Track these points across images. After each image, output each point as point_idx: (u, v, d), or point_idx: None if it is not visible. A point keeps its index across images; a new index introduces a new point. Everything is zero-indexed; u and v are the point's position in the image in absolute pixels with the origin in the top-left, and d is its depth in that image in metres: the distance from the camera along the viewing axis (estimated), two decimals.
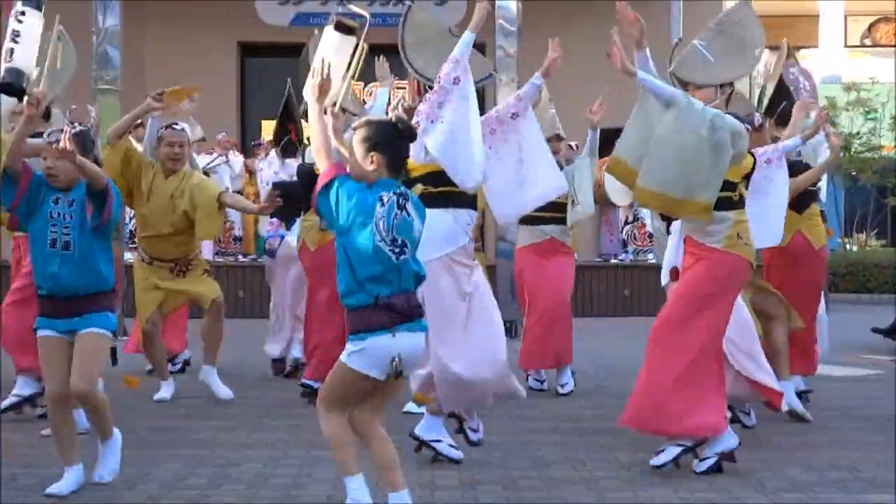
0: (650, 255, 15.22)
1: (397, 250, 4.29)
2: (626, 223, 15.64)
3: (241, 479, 5.30)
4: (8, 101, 6.18)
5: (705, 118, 5.31)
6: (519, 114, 5.86)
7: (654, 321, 5.58)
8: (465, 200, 5.65)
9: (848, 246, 21.35)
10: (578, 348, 8.38)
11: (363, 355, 4.29)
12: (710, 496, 5.01)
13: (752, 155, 5.81)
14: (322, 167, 4.38)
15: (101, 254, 5.13)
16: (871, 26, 27.53)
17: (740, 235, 5.49)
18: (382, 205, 4.28)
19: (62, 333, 5.07)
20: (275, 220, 9.22)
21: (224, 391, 7.61)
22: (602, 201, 8.48)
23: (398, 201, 4.32)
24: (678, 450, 5.41)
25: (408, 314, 4.30)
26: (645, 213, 15.36)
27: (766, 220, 6.20)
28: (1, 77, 5.34)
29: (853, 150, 20.63)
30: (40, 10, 5.48)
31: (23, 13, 5.45)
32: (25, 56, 5.34)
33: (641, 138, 5.47)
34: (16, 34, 5.37)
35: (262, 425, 6.62)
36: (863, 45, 27.26)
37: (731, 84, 5.89)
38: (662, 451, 5.43)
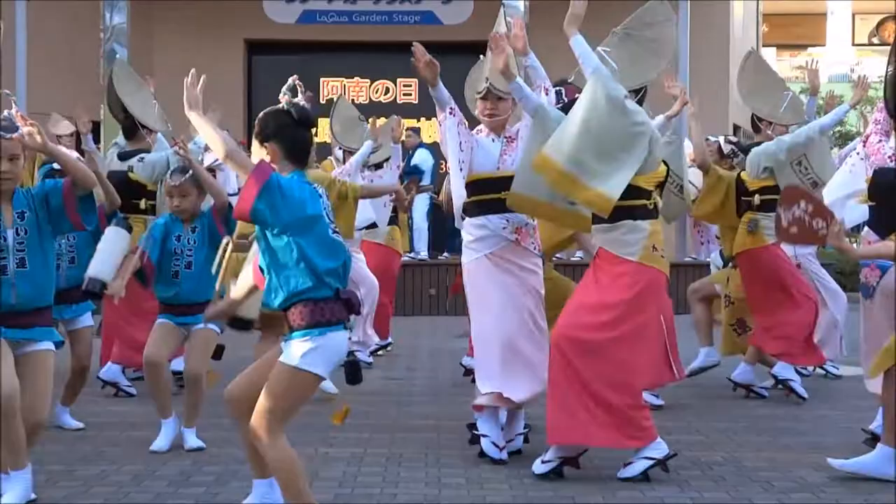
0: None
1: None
2: None
3: (248, 477, 5.28)
4: None
5: (617, 104, 5.19)
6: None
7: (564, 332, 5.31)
8: (496, 207, 5.71)
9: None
10: None
11: (319, 353, 4.04)
12: (718, 496, 5.01)
13: (665, 164, 5.60)
14: (245, 173, 4.07)
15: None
16: (878, 25, 27.50)
17: (655, 247, 5.34)
18: (320, 196, 4.15)
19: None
20: None
21: None
22: None
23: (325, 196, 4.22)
24: (648, 463, 5.27)
25: (356, 311, 4.14)
26: None
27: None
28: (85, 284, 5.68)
29: None
30: (128, 231, 5.84)
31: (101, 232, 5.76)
32: (101, 269, 5.63)
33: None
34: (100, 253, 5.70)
35: None
36: (871, 44, 27.22)
37: (642, 90, 5.71)
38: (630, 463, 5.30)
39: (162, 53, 18.20)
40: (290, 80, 4.52)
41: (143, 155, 8.04)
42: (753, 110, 8.01)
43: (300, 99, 4.52)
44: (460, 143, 5.68)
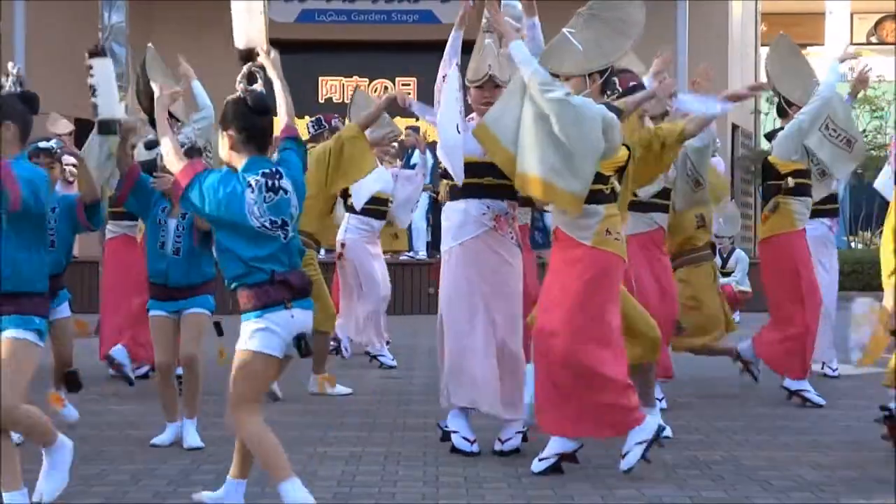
0: None
1: (284, 231, 4.30)
2: None
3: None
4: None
5: (562, 107, 5.21)
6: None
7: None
8: (478, 192, 5.73)
9: (853, 244, 21.29)
10: None
11: (266, 334, 4.23)
12: (716, 494, 5.00)
13: (627, 147, 5.62)
14: (176, 169, 4.37)
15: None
16: (877, 24, 27.49)
17: (609, 231, 5.36)
18: (253, 190, 4.26)
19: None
20: None
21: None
22: None
23: (268, 183, 4.30)
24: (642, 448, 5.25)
25: (301, 290, 4.29)
26: None
27: None
28: (96, 129, 6.13)
29: None
30: (105, 55, 6.05)
31: (90, 67, 5.95)
32: (107, 104, 5.89)
33: (514, 118, 5.42)
34: (92, 89, 5.92)
35: (269, 421, 6.59)
36: (869, 43, 27.21)
37: (608, 71, 5.62)
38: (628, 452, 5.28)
39: (161, 52, 18.18)
40: (244, 68, 4.58)
41: None
42: (785, 94, 7.89)
43: (257, 86, 4.61)
44: (458, 97, 5.69)
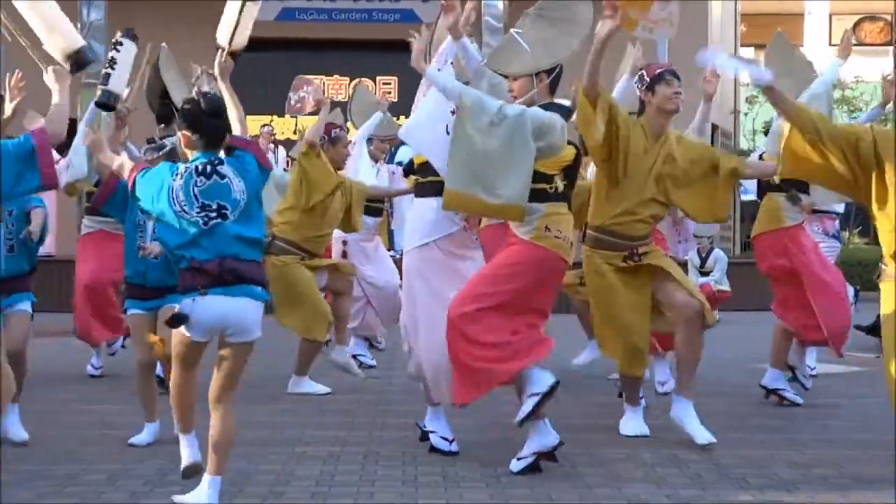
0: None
1: (211, 215, 4.49)
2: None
3: (224, 477, 5.27)
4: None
5: (490, 114, 5.21)
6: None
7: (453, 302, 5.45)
8: None
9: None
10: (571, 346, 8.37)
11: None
12: (693, 493, 5.01)
13: (575, 146, 5.63)
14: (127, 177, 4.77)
15: None
16: (855, 25, 27.63)
17: (548, 228, 5.40)
18: (181, 177, 4.53)
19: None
20: None
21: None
22: None
23: (201, 169, 4.53)
24: (535, 399, 5.31)
25: (219, 277, 4.46)
26: None
27: None
28: (98, 96, 6.37)
29: None
30: (135, 42, 6.49)
31: (120, 43, 6.45)
32: (118, 81, 6.33)
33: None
34: (112, 61, 6.41)
35: (245, 422, 6.57)
36: None
37: (554, 70, 5.61)
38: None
39: (141, 51, 18.11)
40: (198, 70, 4.75)
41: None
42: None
43: (207, 87, 4.77)
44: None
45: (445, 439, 5.78)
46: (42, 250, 6.70)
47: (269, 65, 17.64)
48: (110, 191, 5.88)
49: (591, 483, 5.18)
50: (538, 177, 5.35)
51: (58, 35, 5.43)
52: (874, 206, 4.70)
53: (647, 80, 6.11)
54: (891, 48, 19.22)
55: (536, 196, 5.37)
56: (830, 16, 26.90)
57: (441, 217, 5.68)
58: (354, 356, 9.12)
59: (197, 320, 4.50)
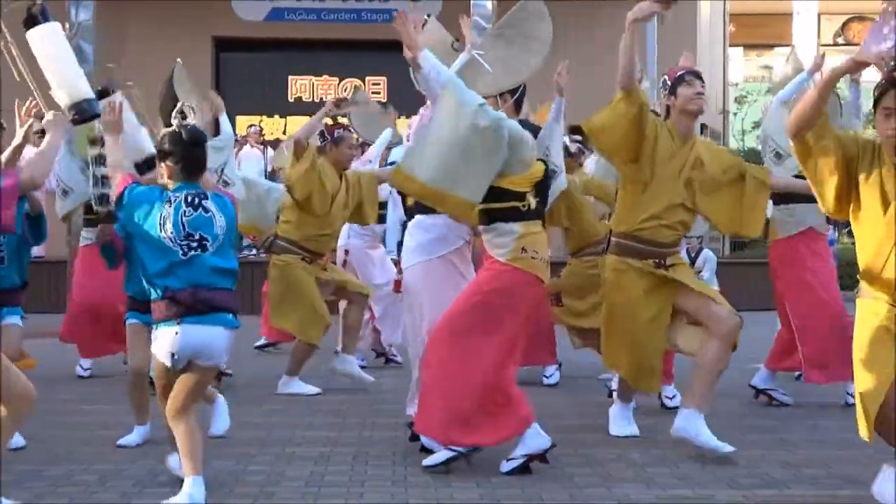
0: None
1: (192, 245, 4.63)
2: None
3: (215, 478, 5.27)
4: None
5: (470, 112, 5.19)
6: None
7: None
8: None
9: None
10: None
11: (157, 344, 4.75)
12: (683, 493, 5.02)
13: (544, 162, 5.63)
14: (116, 182, 4.82)
15: None
16: (844, 25, 27.71)
17: (525, 249, 5.34)
18: (170, 204, 4.66)
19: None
20: None
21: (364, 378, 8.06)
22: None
23: (189, 199, 4.67)
24: (450, 454, 5.35)
25: (192, 306, 4.62)
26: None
27: None
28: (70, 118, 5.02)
29: None
30: (47, 20, 5.05)
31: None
32: (64, 82, 4.98)
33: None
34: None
35: (236, 422, 6.58)
36: (836, 44, 27.42)
37: (519, 89, 5.67)
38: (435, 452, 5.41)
39: (131, 50, 18.10)
40: (178, 105, 4.65)
41: None
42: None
43: (190, 120, 4.77)
44: None
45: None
46: (33, 251, 6.60)
47: (259, 64, 17.67)
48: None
49: (581, 483, 5.18)
50: (510, 195, 5.33)
51: (66, 88, 4.92)
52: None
53: (669, 83, 6.00)
54: None
55: (510, 215, 5.34)
56: (819, 15, 26.93)
57: (449, 233, 5.81)
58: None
59: (176, 351, 4.67)
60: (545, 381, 8.14)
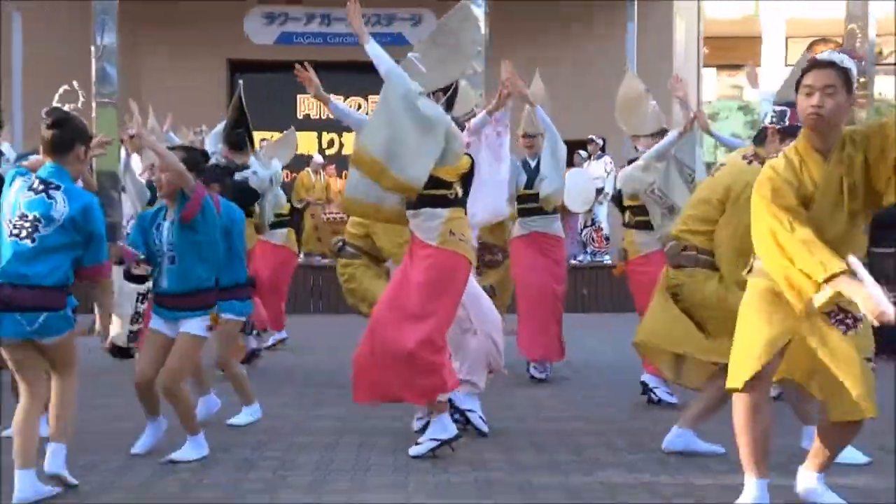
0: (606, 257, 15.28)
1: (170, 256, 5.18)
2: (585, 227, 15.69)
3: (230, 464, 5.29)
4: None
5: (409, 98, 5.33)
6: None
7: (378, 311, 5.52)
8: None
9: None
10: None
11: None
12: (662, 479, 5.03)
13: (470, 157, 5.67)
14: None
15: None
16: (809, 47, 27.75)
17: (453, 232, 5.45)
18: (166, 219, 5.20)
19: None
20: None
21: None
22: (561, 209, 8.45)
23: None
24: (433, 444, 5.42)
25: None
26: (602, 218, 15.43)
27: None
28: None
29: None
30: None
31: None
32: None
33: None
34: None
35: (233, 429, 6.54)
36: (848, 81, 27.42)
37: (450, 88, 5.68)
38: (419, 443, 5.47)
39: (151, 71, 18.13)
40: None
41: (255, 170, 8.55)
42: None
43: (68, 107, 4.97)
44: None
45: (483, 419, 5.96)
46: None
47: (269, 84, 17.65)
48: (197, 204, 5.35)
49: (567, 469, 5.21)
50: (440, 183, 5.44)
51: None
52: None
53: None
54: None
55: (438, 202, 5.46)
56: (786, 38, 26.96)
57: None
58: None
59: None
60: (535, 374, 8.12)
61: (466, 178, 5.62)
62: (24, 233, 4.49)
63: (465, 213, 5.62)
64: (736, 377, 4.26)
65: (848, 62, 4.17)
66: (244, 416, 6.33)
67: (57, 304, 4.55)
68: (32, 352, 4.61)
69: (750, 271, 4.36)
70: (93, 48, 14.10)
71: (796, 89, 4.21)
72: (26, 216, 4.51)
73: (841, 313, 4.14)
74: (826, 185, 4.09)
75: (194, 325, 5.29)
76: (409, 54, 5.70)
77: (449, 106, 5.69)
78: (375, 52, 5.51)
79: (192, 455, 5.31)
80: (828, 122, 4.06)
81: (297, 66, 5.75)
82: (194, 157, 5.59)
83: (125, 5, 14.90)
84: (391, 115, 5.36)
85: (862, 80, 16.94)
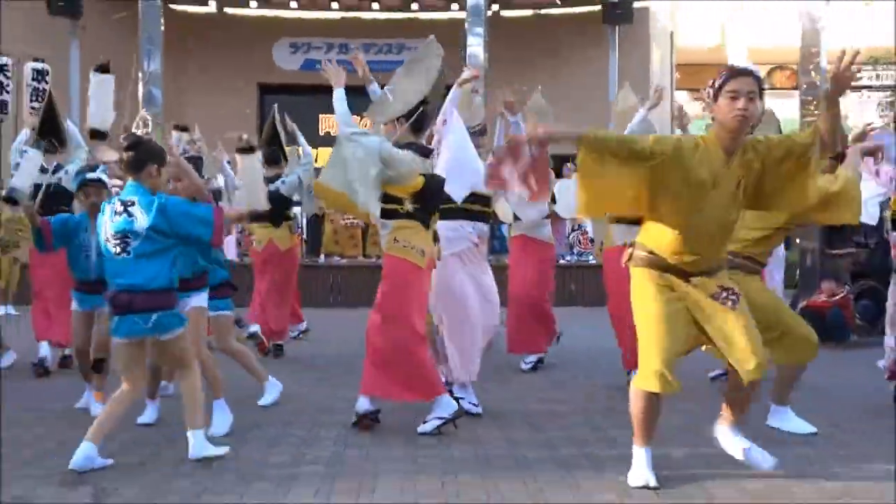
0: (591, 257, 15.23)
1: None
2: (572, 230, 15.65)
3: (259, 440, 5.26)
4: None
5: (350, 138, 5.40)
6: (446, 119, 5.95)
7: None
8: (469, 215, 6.12)
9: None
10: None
11: None
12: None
13: (425, 177, 5.56)
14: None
15: None
16: (769, 73, 27.72)
17: (397, 239, 5.43)
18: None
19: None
20: None
21: None
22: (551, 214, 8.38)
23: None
24: (438, 422, 5.39)
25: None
26: (587, 222, 15.39)
27: None
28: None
29: None
30: (108, 72, 6.66)
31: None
32: (97, 114, 6.67)
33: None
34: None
35: (239, 431, 6.52)
36: (761, 89, 27.36)
37: (413, 114, 5.61)
38: (426, 422, 5.43)
39: (191, 94, 18.12)
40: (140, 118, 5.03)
41: (283, 178, 8.65)
42: None
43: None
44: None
45: (473, 404, 5.95)
46: None
47: (294, 105, 17.61)
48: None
49: (556, 444, 5.20)
50: (391, 199, 5.44)
51: (99, 119, 6.16)
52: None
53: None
54: (796, 91, 19.26)
55: (389, 214, 5.46)
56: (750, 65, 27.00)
57: (460, 236, 6.03)
58: None
59: None
60: (524, 366, 7.98)
61: (419, 196, 5.50)
62: (118, 248, 4.71)
63: (423, 226, 5.52)
64: (646, 380, 4.30)
65: (758, 72, 4.22)
66: (269, 396, 6.25)
67: (166, 304, 4.73)
68: (142, 352, 4.82)
69: (630, 259, 4.33)
70: (140, 73, 14.09)
71: (715, 96, 4.13)
72: (117, 235, 4.72)
73: (724, 291, 4.21)
74: (726, 182, 4.15)
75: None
76: (385, 87, 5.70)
77: (415, 130, 5.62)
78: (338, 96, 5.61)
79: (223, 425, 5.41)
80: (749, 123, 4.10)
81: (353, 53, 5.96)
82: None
83: (169, 35, 14.91)
84: (346, 158, 5.39)
85: (815, 102, 16.92)
